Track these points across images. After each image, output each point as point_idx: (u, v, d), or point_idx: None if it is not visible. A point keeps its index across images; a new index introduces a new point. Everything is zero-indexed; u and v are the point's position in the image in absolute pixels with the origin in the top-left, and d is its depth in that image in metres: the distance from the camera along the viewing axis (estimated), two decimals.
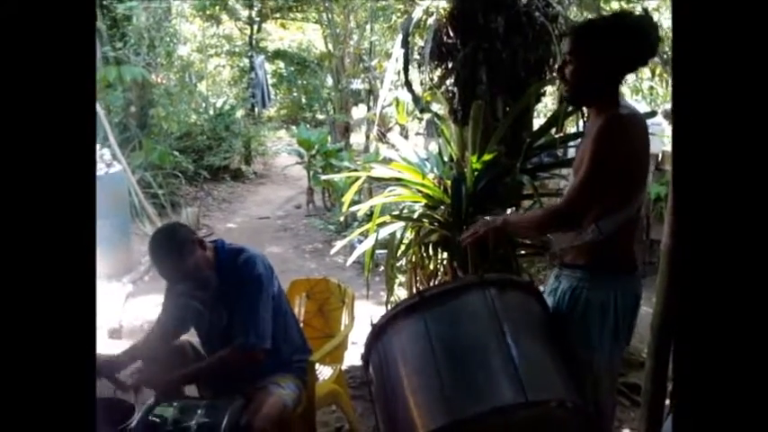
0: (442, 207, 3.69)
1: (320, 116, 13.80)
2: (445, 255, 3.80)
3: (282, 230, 7.46)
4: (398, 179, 3.95)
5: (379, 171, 4.17)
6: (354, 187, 4.38)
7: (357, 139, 10.15)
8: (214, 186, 8.77)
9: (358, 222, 6.60)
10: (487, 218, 2.56)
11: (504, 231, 2.51)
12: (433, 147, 4.47)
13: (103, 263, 5.75)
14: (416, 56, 4.07)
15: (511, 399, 2.05)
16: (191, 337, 2.93)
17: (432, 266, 3.80)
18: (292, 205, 8.32)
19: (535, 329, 2.30)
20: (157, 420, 2.43)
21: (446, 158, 4.00)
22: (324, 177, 6.90)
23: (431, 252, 3.82)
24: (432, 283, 3.84)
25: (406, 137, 8.21)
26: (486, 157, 3.51)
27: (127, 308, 5.35)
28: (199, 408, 2.47)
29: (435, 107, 4.21)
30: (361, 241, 6.21)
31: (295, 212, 8.08)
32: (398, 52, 3.93)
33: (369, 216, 5.97)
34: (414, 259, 3.85)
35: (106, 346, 4.63)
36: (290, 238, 7.26)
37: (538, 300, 2.41)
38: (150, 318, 5.14)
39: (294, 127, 13.17)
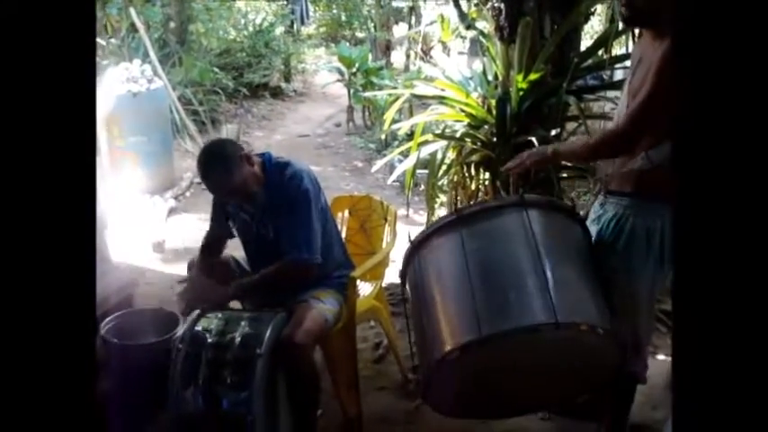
0: (486, 127, 3.65)
1: (360, 34, 13.54)
2: (487, 175, 3.78)
3: (322, 148, 7.46)
4: (441, 98, 3.90)
5: (422, 89, 4.12)
6: (396, 105, 4.34)
7: (397, 57, 9.97)
8: (254, 104, 8.74)
9: (398, 141, 6.55)
10: (535, 149, 2.51)
11: (553, 162, 2.47)
12: (477, 65, 4.36)
13: (146, 179, 5.84)
14: None
15: (541, 319, 2.05)
16: (233, 251, 2.98)
17: (473, 186, 3.78)
18: (332, 123, 8.28)
19: (573, 254, 2.29)
20: (203, 331, 2.50)
21: (490, 77, 3.92)
22: (365, 95, 6.81)
23: (472, 172, 3.80)
24: (474, 203, 3.83)
25: (448, 56, 8.05)
26: (532, 76, 3.43)
27: (169, 223, 5.44)
28: (242, 320, 2.53)
29: (480, 24, 4.09)
30: (401, 160, 6.19)
31: (335, 130, 8.05)
32: None
33: (409, 135, 5.93)
34: (455, 179, 3.84)
35: (150, 259, 4.75)
36: (329, 156, 7.26)
37: (579, 225, 2.39)
38: (191, 232, 5.24)
39: (333, 45, 12.98)
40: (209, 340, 2.45)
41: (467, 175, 3.80)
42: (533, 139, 3.36)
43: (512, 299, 2.13)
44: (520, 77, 3.43)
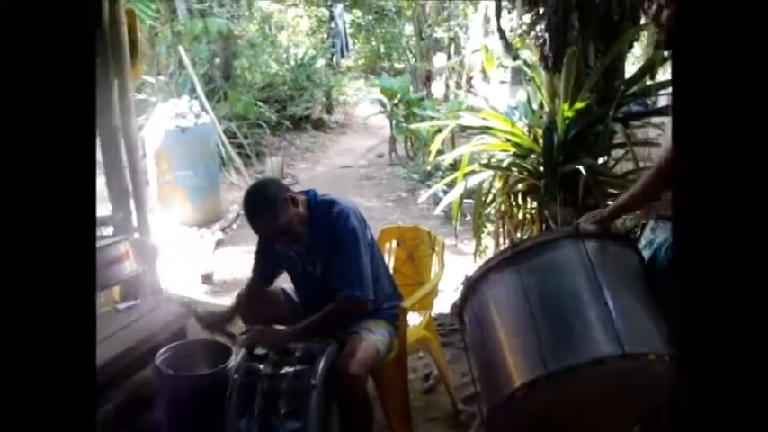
0: (532, 156, 3.65)
1: (398, 65, 13.71)
2: (534, 204, 3.77)
3: (365, 179, 7.52)
4: (487, 128, 3.92)
5: (468, 120, 4.15)
6: (441, 136, 4.38)
7: (437, 87, 10.05)
8: (296, 136, 8.88)
9: (442, 172, 6.58)
10: (590, 213, 2.46)
11: (610, 221, 2.43)
12: (521, 95, 4.38)
13: (193, 212, 5.96)
14: (504, 2, 3.99)
15: (608, 351, 2.04)
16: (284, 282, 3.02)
17: (520, 215, 3.78)
18: (374, 154, 8.36)
19: (631, 282, 2.27)
20: (257, 362, 2.53)
21: (535, 106, 3.94)
22: (412, 126, 6.82)
23: (519, 201, 3.80)
24: (520, 232, 3.83)
25: (488, 84, 8.08)
26: (578, 105, 3.44)
27: (217, 255, 5.53)
28: (295, 350, 2.55)
29: (524, 54, 4.12)
30: (445, 191, 6.22)
31: (377, 161, 8.12)
32: None
33: (453, 165, 5.96)
34: (502, 208, 3.84)
35: (199, 290, 4.83)
36: (373, 186, 7.32)
37: (634, 252, 2.38)
38: (238, 264, 5.31)
39: (372, 76, 13.15)
40: (264, 371, 2.48)
41: (513, 204, 3.80)
42: (581, 167, 3.36)
43: (576, 332, 2.12)
44: (566, 106, 3.44)
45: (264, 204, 2.56)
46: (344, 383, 2.46)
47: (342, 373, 2.45)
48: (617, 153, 3.96)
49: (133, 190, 4.23)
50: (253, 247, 4.73)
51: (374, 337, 2.65)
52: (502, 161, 3.87)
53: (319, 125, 9.63)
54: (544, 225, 3.78)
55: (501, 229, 3.99)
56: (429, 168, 6.92)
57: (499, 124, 3.75)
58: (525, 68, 4.04)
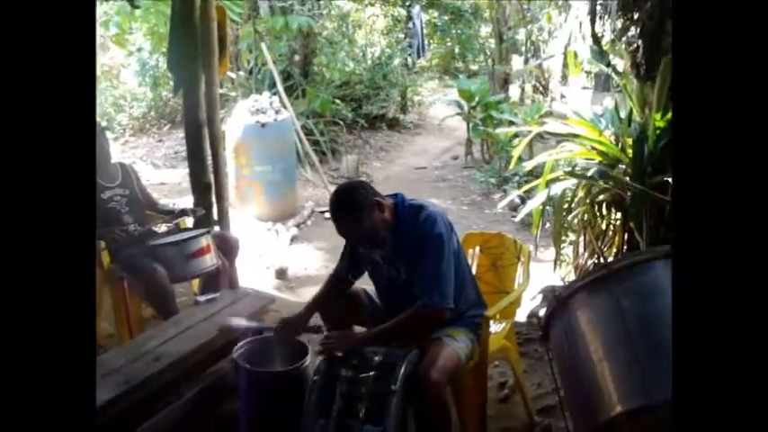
0: (620, 166, 3.55)
1: (473, 66, 13.59)
2: (618, 215, 3.67)
3: (441, 181, 7.48)
4: (572, 135, 3.84)
5: (552, 126, 4.06)
6: (525, 141, 4.29)
7: (513, 91, 9.90)
8: (371, 135, 8.89)
9: (519, 177, 6.49)
10: None
11: None
12: (607, 102, 4.27)
13: (269, 207, 6.03)
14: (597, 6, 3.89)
15: None
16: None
17: (603, 226, 3.68)
18: (449, 156, 8.30)
19: None
20: (337, 364, 2.53)
21: (623, 115, 3.83)
22: (490, 130, 6.69)
23: (603, 211, 3.70)
24: (601, 243, 3.73)
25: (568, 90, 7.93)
26: (671, 115, 3.32)
27: (291, 250, 5.58)
28: (376, 354, 2.54)
29: (612, 60, 4.02)
30: (522, 198, 6.14)
31: (452, 163, 8.06)
32: (580, 2, 3.76)
33: (530, 172, 5.88)
34: (585, 218, 3.75)
35: (273, 285, 4.88)
36: (448, 189, 7.27)
37: None
38: (312, 261, 5.35)
39: (447, 77, 13.06)
40: (344, 374, 2.48)
41: (597, 214, 3.70)
42: (670, 179, 3.25)
43: None
44: (658, 116, 3.33)
45: (350, 209, 2.55)
46: (425, 390, 2.42)
47: (423, 380, 2.42)
48: None
49: (215, 183, 4.31)
50: (326, 245, 4.77)
51: (456, 344, 2.62)
52: (587, 169, 3.78)
53: (394, 125, 9.62)
54: (627, 236, 3.68)
55: (582, 239, 3.89)
56: (506, 174, 6.84)
57: (586, 132, 3.65)
58: (615, 75, 3.93)
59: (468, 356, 2.67)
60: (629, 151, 3.50)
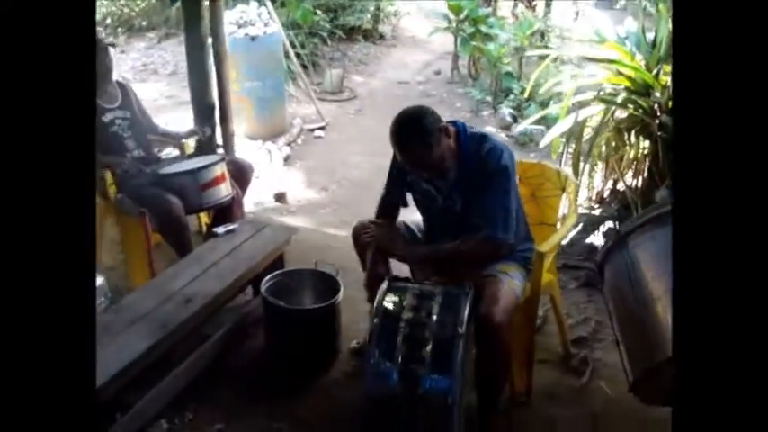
0: (656, 94, 3.42)
1: None
2: (646, 143, 3.58)
3: (425, 96, 7.26)
4: (600, 59, 3.69)
5: (575, 48, 3.91)
6: (544, 63, 4.12)
7: (502, 5, 9.48)
8: (348, 47, 8.54)
9: (514, 95, 6.33)
10: None
11: None
12: (629, 24, 4.09)
13: (260, 125, 5.78)
14: None
15: None
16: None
17: (632, 154, 3.60)
18: (431, 71, 8.03)
19: None
20: (396, 305, 2.42)
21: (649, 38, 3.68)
22: (532, 54, 6.22)
23: (632, 139, 3.60)
24: (625, 171, 3.67)
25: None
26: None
27: (286, 172, 5.38)
28: (435, 294, 2.43)
29: None
30: (513, 115, 6.01)
31: (435, 78, 7.81)
32: None
33: (524, 92, 5.75)
34: (612, 144, 3.65)
35: (274, 209, 4.71)
36: (434, 104, 7.01)
37: None
38: (308, 182, 5.19)
39: None
40: (404, 315, 2.37)
41: (626, 142, 3.60)
42: None
43: None
44: None
45: (420, 135, 2.40)
46: (489, 333, 2.37)
47: (487, 322, 2.36)
48: None
49: (219, 104, 4.06)
50: (319, 164, 4.61)
51: (512, 281, 2.54)
52: (614, 95, 3.65)
53: (369, 36, 9.25)
54: (652, 165, 3.61)
55: (604, 167, 3.82)
56: (496, 90, 6.69)
57: (618, 55, 3.49)
58: None
59: (523, 292, 2.60)
60: (663, 78, 3.38)
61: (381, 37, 9.38)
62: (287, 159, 5.53)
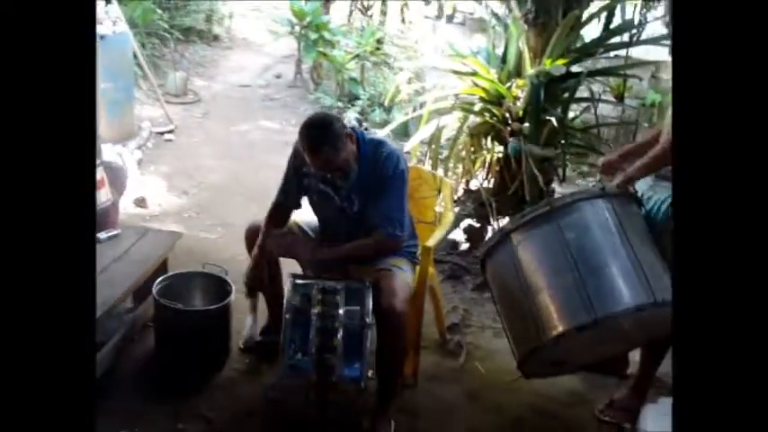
0: (508, 103, 3.85)
1: None
2: (500, 148, 4.01)
3: (268, 100, 7.36)
4: (455, 71, 4.07)
5: (438, 60, 4.26)
6: (405, 74, 4.45)
7: (337, 12, 9.65)
8: (184, 48, 8.41)
9: (363, 101, 6.63)
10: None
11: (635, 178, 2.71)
12: (477, 39, 4.53)
13: (110, 128, 5.60)
14: None
15: (644, 300, 2.40)
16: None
17: (489, 158, 4.01)
18: (271, 74, 8.10)
19: (646, 237, 2.62)
20: (304, 300, 2.61)
21: (501, 54, 4.12)
22: (335, 53, 6.48)
23: (488, 144, 4.02)
24: (484, 175, 4.08)
25: (403, 19, 8.07)
26: (561, 61, 3.67)
27: (140, 176, 5.29)
28: (337, 290, 2.64)
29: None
30: (358, 120, 6.33)
31: (276, 82, 7.90)
32: None
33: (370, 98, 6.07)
34: (471, 149, 4.04)
35: (136, 215, 4.65)
36: (278, 108, 7.20)
37: (639, 208, 2.71)
38: (166, 186, 5.15)
39: None
40: (314, 309, 2.57)
41: (483, 146, 4.01)
42: (552, 119, 3.65)
43: (617, 284, 2.46)
44: (549, 62, 3.66)
45: (329, 138, 2.60)
46: (393, 321, 2.61)
47: (389, 311, 2.60)
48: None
49: None
50: (173, 169, 4.66)
51: (404, 274, 2.81)
52: (471, 104, 4.05)
53: (202, 37, 9.15)
54: (504, 167, 4.05)
55: (460, 170, 4.21)
56: (340, 94, 6.97)
57: (479, 69, 3.89)
58: (493, 18, 4.20)
59: (412, 285, 2.88)
60: (515, 90, 3.83)
61: (216, 38, 9.31)
62: (140, 163, 5.44)
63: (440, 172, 4.31)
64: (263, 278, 2.98)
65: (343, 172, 2.70)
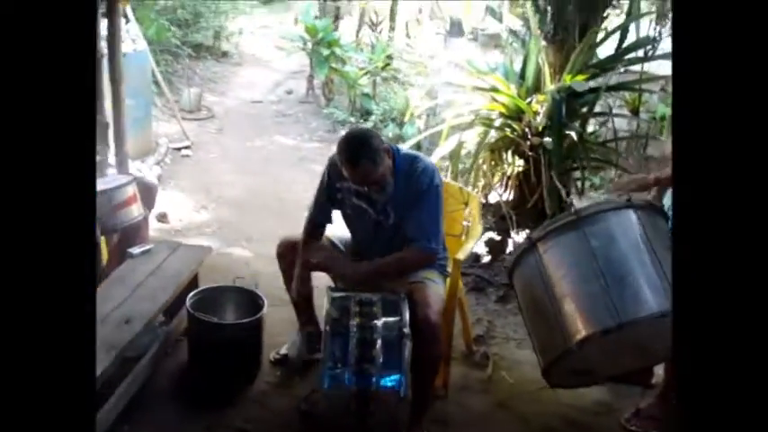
0: (528, 119, 3.92)
1: None
2: (521, 162, 4.09)
3: (281, 116, 7.46)
4: (477, 87, 4.15)
5: (453, 75, 4.35)
6: (423, 89, 4.54)
7: (345, 28, 9.77)
8: (196, 64, 8.52)
9: (376, 116, 6.71)
10: (634, 177, 2.80)
11: (653, 186, 2.78)
12: (491, 55, 4.62)
13: (131, 145, 5.68)
14: None
15: (668, 306, 2.43)
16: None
17: (509, 171, 4.09)
18: (283, 90, 8.21)
19: (669, 247, 2.67)
20: (343, 312, 2.67)
21: (520, 70, 4.20)
22: (347, 69, 6.59)
23: (508, 158, 4.09)
24: (504, 188, 4.15)
25: (408, 34, 8.18)
26: (580, 77, 3.75)
27: (161, 191, 5.35)
28: (374, 302, 2.70)
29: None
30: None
31: (287, 98, 8.00)
32: None
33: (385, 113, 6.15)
34: (492, 163, 4.11)
35: (160, 230, 4.70)
36: (291, 124, 7.29)
37: (665, 219, 2.78)
38: (186, 201, 5.22)
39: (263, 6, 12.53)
40: (353, 321, 2.63)
41: (503, 160, 4.09)
42: (572, 133, 3.73)
43: (642, 291, 2.51)
44: (569, 77, 3.74)
45: (368, 152, 2.67)
46: (428, 333, 2.66)
47: (425, 323, 2.65)
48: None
49: (114, 125, 4.06)
50: (192, 184, 4.73)
51: (437, 286, 2.87)
52: (491, 119, 4.13)
53: (213, 54, 9.27)
54: (525, 181, 4.12)
55: (481, 183, 4.28)
56: (352, 109, 7.05)
57: (499, 85, 3.97)
58: (510, 35, 4.28)
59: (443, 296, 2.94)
60: (535, 106, 3.91)
61: (224, 55, 9.42)
62: (159, 179, 5.51)
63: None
64: (309, 293, 3.05)
65: (379, 186, 2.76)
